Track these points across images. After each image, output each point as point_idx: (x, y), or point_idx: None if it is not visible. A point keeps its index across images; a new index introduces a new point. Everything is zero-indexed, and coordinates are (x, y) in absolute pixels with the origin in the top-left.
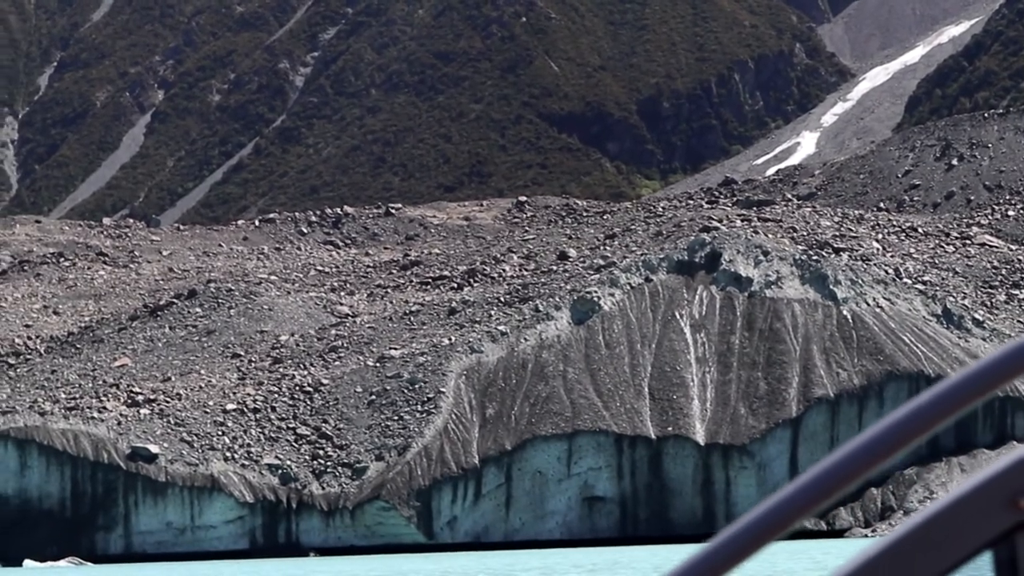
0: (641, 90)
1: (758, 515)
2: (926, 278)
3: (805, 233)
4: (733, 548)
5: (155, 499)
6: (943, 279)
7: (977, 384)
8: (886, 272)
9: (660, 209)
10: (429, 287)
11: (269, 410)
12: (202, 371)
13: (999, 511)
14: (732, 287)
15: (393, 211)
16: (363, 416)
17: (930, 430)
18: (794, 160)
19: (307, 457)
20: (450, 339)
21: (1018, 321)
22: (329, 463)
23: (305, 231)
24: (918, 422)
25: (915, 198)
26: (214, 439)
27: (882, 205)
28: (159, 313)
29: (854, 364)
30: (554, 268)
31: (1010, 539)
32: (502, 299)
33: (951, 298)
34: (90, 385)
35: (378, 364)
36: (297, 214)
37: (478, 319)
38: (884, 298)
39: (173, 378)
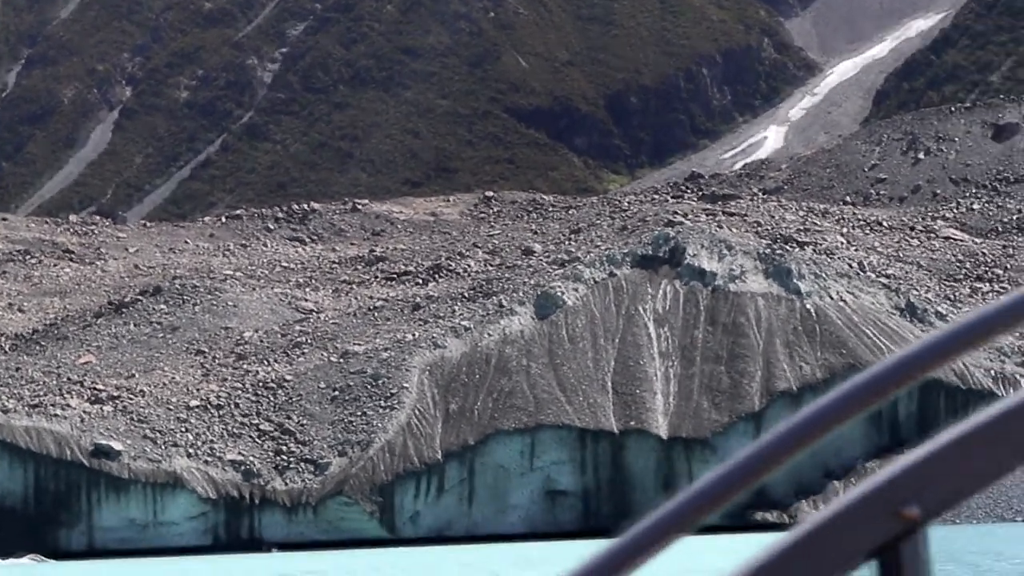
0: (608, 85)
1: (667, 510)
2: (890, 272)
3: (769, 227)
4: (640, 543)
5: (118, 496)
6: (907, 273)
7: (905, 369)
8: (850, 266)
9: (625, 204)
10: (394, 282)
11: (232, 406)
12: (166, 368)
13: (884, 520)
14: (695, 281)
15: (359, 207)
16: (326, 412)
17: (854, 415)
18: (761, 154)
19: (270, 453)
20: (413, 334)
21: None
22: (292, 459)
23: (271, 227)
24: (840, 409)
25: (881, 192)
26: (177, 436)
27: (848, 199)
28: (124, 310)
29: (817, 358)
30: (518, 263)
31: (895, 548)
32: (466, 294)
33: (915, 292)
34: (54, 382)
35: (341, 360)
36: (264, 210)
37: (442, 314)
38: (847, 292)
39: (137, 375)
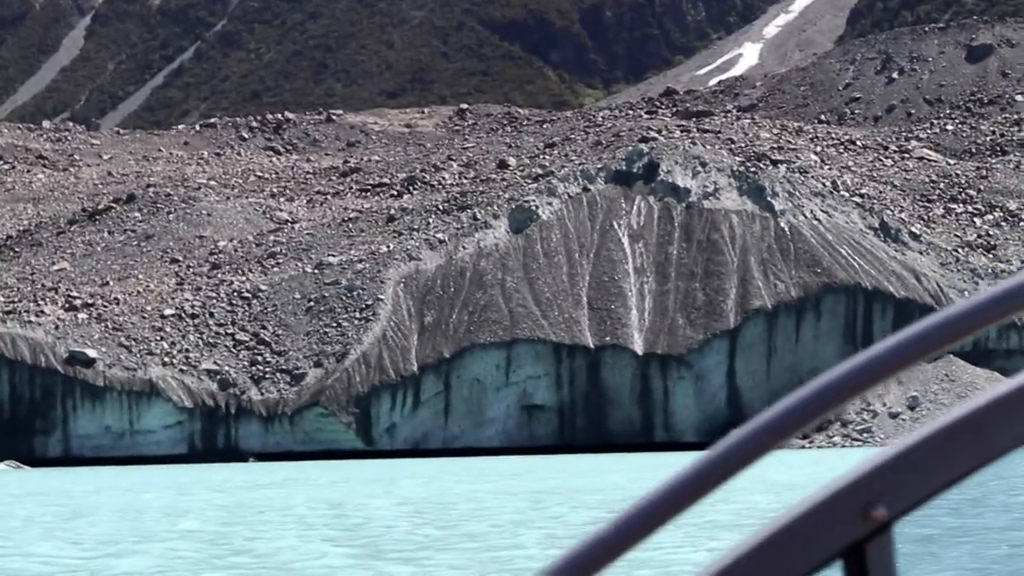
0: None
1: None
2: (864, 191)
3: (743, 145)
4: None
5: (93, 404)
6: (881, 192)
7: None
8: (824, 185)
9: (600, 119)
10: (368, 194)
11: (207, 315)
12: (140, 276)
13: (852, 521)
14: (670, 197)
15: (334, 117)
16: (301, 322)
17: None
18: (736, 71)
19: (246, 363)
20: (388, 246)
21: (955, 235)
22: (268, 369)
23: (246, 136)
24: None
25: (855, 111)
26: (152, 344)
27: (823, 118)
28: (98, 217)
29: (791, 276)
30: (493, 176)
31: (861, 549)
32: (441, 207)
33: (888, 211)
34: (28, 289)
35: (316, 271)
36: (238, 119)
37: (416, 227)
38: (821, 211)
39: (111, 283)
